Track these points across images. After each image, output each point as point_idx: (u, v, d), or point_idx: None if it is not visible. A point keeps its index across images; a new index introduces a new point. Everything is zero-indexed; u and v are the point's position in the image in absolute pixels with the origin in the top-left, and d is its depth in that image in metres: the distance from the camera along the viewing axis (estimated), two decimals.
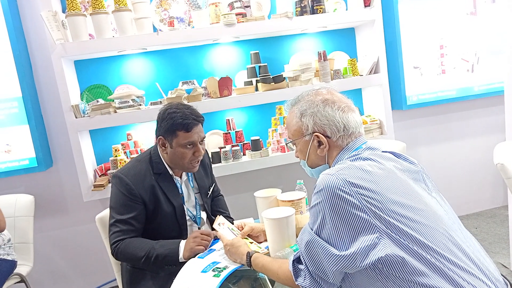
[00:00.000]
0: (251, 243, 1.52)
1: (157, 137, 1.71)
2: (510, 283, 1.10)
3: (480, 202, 3.62)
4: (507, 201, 2.83)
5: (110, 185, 1.75)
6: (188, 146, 1.66)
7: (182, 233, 1.74)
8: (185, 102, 2.64)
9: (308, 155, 1.29)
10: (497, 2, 3.27)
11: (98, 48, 2.53)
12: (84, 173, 2.59)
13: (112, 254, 1.63)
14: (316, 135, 1.24)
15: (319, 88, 1.31)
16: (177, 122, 1.62)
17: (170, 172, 1.74)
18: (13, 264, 2.28)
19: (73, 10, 2.45)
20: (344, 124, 1.22)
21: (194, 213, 1.80)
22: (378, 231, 1.01)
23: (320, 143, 1.24)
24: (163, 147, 1.70)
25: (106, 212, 1.81)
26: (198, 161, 1.71)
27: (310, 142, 1.26)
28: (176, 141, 1.65)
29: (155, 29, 2.76)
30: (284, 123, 2.93)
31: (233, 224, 1.73)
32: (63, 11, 2.69)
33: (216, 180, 2.09)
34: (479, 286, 0.99)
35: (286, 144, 1.25)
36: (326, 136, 1.23)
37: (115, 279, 1.93)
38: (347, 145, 1.23)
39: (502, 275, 1.12)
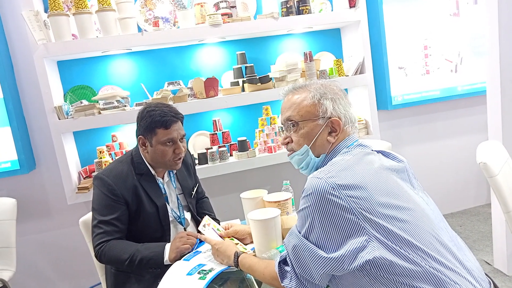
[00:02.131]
0: (237, 244, 1.51)
1: (137, 137, 1.70)
2: (493, 281, 1.12)
3: (464, 201, 3.68)
4: (490, 199, 2.88)
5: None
6: (168, 143, 1.65)
7: (165, 234, 1.73)
8: (171, 103, 2.62)
9: (315, 139, 1.23)
10: (479, 3, 3.32)
11: (82, 49, 2.49)
12: (68, 175, 2.55)
13: (96, 257, 1.60)
14: (334, 120, 1.22)
15: (327, 80, 1.32)
16: (155, 119, 1.62)
17: (153, 172, 1.73)
18: None
19: (56, 10, 2.41)
20: (354, 118, 1.26)
21: (178, 213, 1.78)
22: (367, 233, 1.01)
23: (333, 129, 1.23)
24: (143, 147, 1.69)
25: (90, 215, 1.78)
26: (180, 158, 1.70)
27: (322, 126, 1.22)
28: (155, 139, 1.64)
29: (139, 29, 2.73)
30: (271, 124, 2.93)
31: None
32: (45, 11, 2.64)
33: (202, 181, 2.08)
34: (465, 285, 1.01)
35: (282, 124, 1.17)
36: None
37: (100, 283, 1.90)
38: (349, 135, 1.24)
39: (485, 273, 1.13)
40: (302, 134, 1.23)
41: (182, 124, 1.72)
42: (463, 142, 3.58)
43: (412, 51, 3.26)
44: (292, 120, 1.24)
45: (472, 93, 3.43)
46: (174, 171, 1.82)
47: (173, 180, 1.82)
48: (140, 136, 1.68)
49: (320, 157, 1.24)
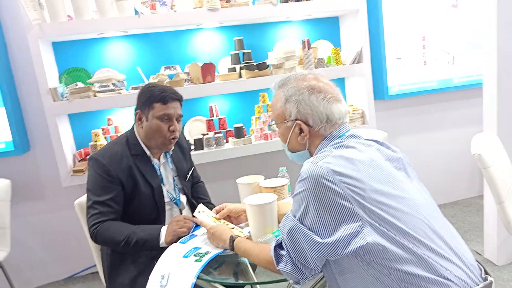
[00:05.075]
0: (232, 228, 1.53)
1: (135, 112, 1.70)
2: (484, 268, 1.14)
3: (457, 192, 3.72)
4: (482, 191, 2.91)
5: None
6: (164, 119, 1.65)
7: (160, 215, 1.73)
8: None
9: (289, 140, 1.29)
10: None
11: (77, 30, 2.46)
12: (62, 157, 2.54)
13: (91, 237, 1.60)
14: (298, 123, 1.23)
15: (308, 73, 1.29)
16: (155, 94, 1.64)
17: (148, 153, 1.72)
18: None
19: None
20: (327, 115, 1.21)
21: (174, 195, 1.79)
22: (360, 219, 1.02)
23: (301, 130, 1.24)
24: (139, 121, 1.70)
25: (86, 196, 1.77)
26: (174, 138, 1.70)
27: (292, 128, 1.25)
28: (152, 113, 1.65)
29: (136, 12, 2.69)
30: (267, 111, 2.92)
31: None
32: None
33: (198, 166, 2.07)
34: (456, 271, 1.03)
35: (269, 125, 1.25)
36: (308, 125, 1.23)
37: (95, 265, 1.91)
38: (329, 134, 1.23)
39: (476, 260, 1.15)
40: (280, 133, 1.32)
41: (181, 106, 1.72)
42: (458, 134, 3.61)
43: (410, 41, 3.26)
44: (273, 121, 1.33)
45: (468, 85, 3.44)
46: (170, 153, 1.82)
47: (169, 161, 1.82)
48: (137, 111, 1.69)
49: (302, 152, 1.28)
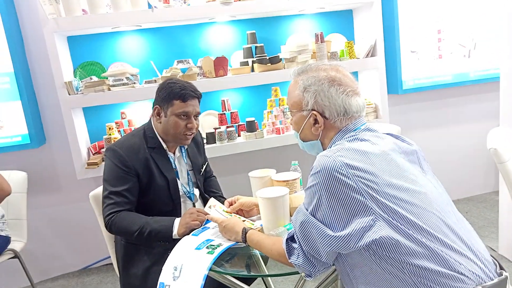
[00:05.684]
0: (244, 221, 1.53)
1: (153, 106, 1.72)
2: (499, 263, 1.12)
3: (471, 187, 3.67)
4: (497, 186, 2.87)
5: (103, 163, 1.75)
6: (182, 116, 1.67)
7: (175, 208, 1.75)
8: None
9: (302, 129, 1.27)
10: None
11: (91, 24, 2.48)
12: (77, 150, 2.58)
13: (106, 227, 1.63)
14: (313, 113, 1.22)
15: (329, 64, 1.27)
16: (175, 91, 1.65)
17: (164, 146, 1.74)
18: (6, 240, 2.28)
19: None
20: (346, 109, 1.19)
21: (188, 189, 1.80)
22: (373, 213, 1.02)
23: (316, 121, 1.23)
24: (157, 116, 1.71)
25: (100, 189, 1.80)
26: (191, 134, 1.72)
27: (306, 117, 1.24)
28: (171, 109, 1.66)
29: (150, 6, 2.70)
30: (279, 105, 2.92)
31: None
32: None
33: (210, 160, 2.09)
34: (470, 266, 1.02)
35: (283, 111, 1.24)
36: (324, 117, 1.22)
37: (109, 257, 1.94)
38: (345, 126, 1.21)
39: (491, 256, 1.14)
40: (294, 121, 1.29)
41: (199, 103, 1.74)
42: (473, 129, 3.55)
43: (425, 34, 3.20)
44: (288, 108, 1.31)
45: (484, 79, 3.37)
46: (186, 147, 1.84)
47: (184, 155, 1.83)
48: (156, 106, 1.70)
49: (314, 142, 1.27)
